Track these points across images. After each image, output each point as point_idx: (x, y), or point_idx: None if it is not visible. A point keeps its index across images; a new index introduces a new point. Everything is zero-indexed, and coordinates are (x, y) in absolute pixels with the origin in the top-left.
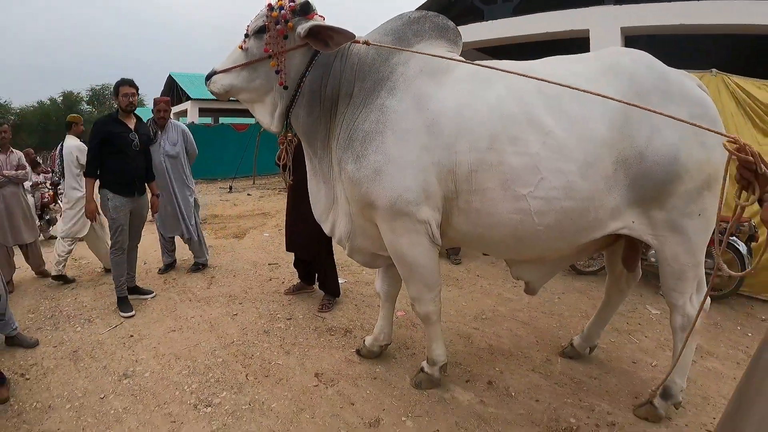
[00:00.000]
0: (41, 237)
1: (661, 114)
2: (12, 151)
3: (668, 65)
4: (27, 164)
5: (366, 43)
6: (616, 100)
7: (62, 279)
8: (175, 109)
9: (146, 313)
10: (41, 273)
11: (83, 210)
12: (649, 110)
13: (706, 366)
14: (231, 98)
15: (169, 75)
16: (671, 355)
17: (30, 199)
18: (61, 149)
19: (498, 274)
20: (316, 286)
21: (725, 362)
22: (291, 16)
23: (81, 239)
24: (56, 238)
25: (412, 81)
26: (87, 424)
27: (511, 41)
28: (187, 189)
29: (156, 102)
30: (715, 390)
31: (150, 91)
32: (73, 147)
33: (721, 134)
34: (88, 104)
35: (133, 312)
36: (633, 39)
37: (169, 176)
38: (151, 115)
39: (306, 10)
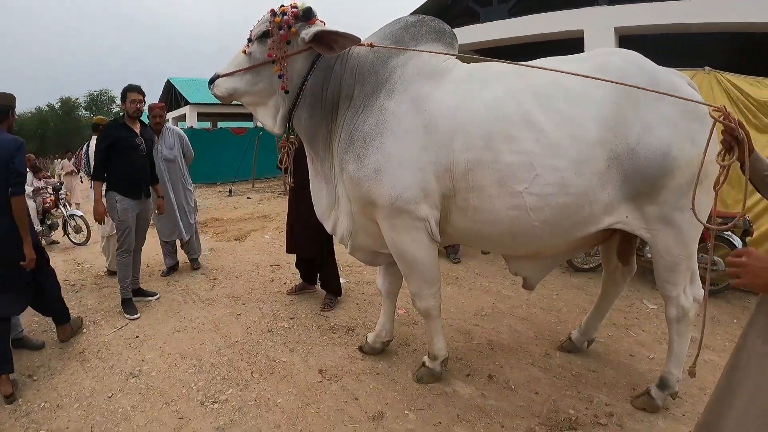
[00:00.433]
0: (43, 242)
1: (659, 93)
2: None
3: (662, 64)
4: (28, 169)
5: (371, 45)
6: (620, 84)
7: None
8: (173, 113)
9: (151, 315)
10: None
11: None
12: (647, 90)
13: (702, 358)
14: (234, 102)
15: (168, 80)
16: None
17: (31, 204)
18: (87, 149)
19: (497, 272)
20: (318, 286)
21: (722, 354)
22: (294, 22)
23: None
24: (58, 243)
25: (410, 83)
26: (96, 423)
27: (507, 42)
28: (187, 191)
29: (151, 108)
30: (712, 381)
31: (148, 95)
32: None
33: (709, 105)
34: (86, 110)
35: (138, 314)
36: (627, 39)
37: (167, 180)
38: (147, 121)
39: (308, 16)
